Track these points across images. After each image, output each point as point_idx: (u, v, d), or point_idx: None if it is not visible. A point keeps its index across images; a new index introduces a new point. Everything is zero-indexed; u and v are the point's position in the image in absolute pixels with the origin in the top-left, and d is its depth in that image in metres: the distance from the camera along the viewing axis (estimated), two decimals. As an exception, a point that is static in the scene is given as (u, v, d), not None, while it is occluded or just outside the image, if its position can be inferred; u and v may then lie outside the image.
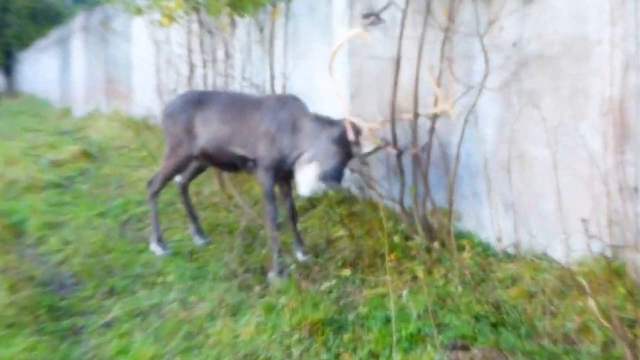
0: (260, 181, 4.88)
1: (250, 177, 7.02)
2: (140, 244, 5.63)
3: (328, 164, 4.53)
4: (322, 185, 4.60)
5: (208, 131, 5.10)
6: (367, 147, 4.50)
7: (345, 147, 4.53)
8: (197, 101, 5.26)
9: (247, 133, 4.92)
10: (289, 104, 4.92)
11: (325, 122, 4.69)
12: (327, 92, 6.15)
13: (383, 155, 5.10)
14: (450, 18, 4.49)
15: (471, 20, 4.49)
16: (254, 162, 4.90)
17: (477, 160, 4.66)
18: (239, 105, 5.07)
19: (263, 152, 4.81)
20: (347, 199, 5.86)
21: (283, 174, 4.87)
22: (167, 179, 5.43)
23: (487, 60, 4.29)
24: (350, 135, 4.50)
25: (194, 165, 5.64)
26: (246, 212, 5.96)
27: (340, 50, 6.03)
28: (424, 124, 4.69)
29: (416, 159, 4.70)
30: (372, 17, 4.70)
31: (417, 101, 4.59)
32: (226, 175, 6.65)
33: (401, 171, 4.80)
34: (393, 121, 4.64)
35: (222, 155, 5.08)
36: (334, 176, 4.51)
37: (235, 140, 4.97)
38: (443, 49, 4.51)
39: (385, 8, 4.77)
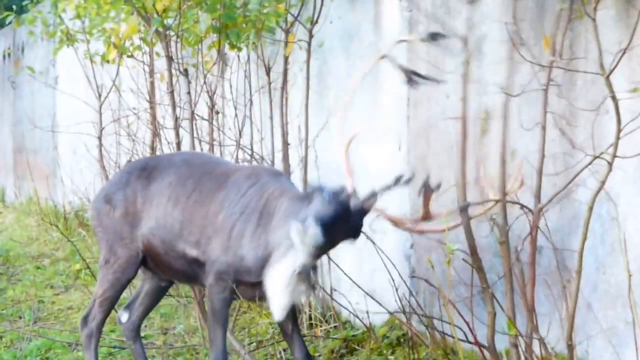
0: (208, 290, 5.06)
1: (250, 303, 7.23)
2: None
3: (317, 214, 4.52)
4: (301, 290, 4.72)
5: (155, 216, 5.30)
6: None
7: (344, 212, 4.59)
8: (142, 168, 5.49)
9: (202, 222, 5.11)
10: (265, 179, 5.10)
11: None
12: (377, 168, 6.43)
13: (463, 268, 5.30)
14: (555, 48, 4.70)
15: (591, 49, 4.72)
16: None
17: (614, 274, 4.81)
18: (199, 179, 5.27)
19: (216, 251, 5.00)
20: (405, 339, 6.04)
21: (248, 290, 5.04)
22: (110, 303, 5.59)
23: (618, 114, 4.43)
24: (349, 188, 4.63)
25: (145, 290, 5.81)
26: (243, 361, 6.15)
27: (398, 98, 6.35)
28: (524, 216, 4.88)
29: (510, 276, 4.84)
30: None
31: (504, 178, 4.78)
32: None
33: (490, 295, 4.97)
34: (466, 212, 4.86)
35: (170, 257, 5.27)
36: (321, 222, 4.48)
37: (186, 234, 5.16)
38: (546, 97, 4.72)
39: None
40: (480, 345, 4.91)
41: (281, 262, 4.72)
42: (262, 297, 4.93)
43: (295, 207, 4.76)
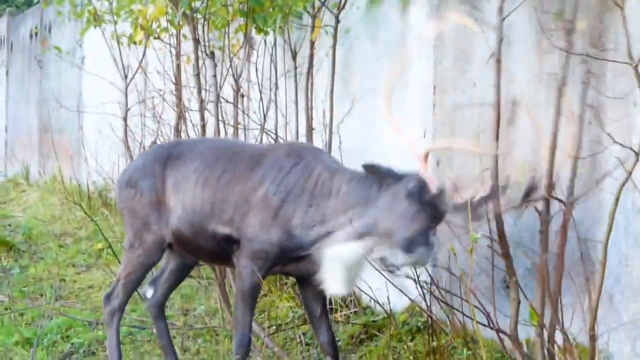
0: (241, 271, 5.06)
1: (271, 287, 7.23)
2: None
3: (405, 229, 4.57)
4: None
5: (182, 202, 5.30)
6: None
7: (429, 206, 4.59)
8: (167, 156, 5.49)
9: (237, 199, 5.10)
10: (308, 158, 5.08)
11: (379, 181, 4.75)
12: (400, 154, 6.41)
13: (484, 256, 5.28)
14: (595, 38, 4.68)
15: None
16: (238, 243, 5.08)
17: (637, 267, 4.80)
18: (229, 160, 5.27)
19: (255, 229, 4.99)
20: (425, 327, 6.02)
21: (284, 266, 5.08)
22: (133, 284, 5.63)
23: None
24: (434, 188, 4.58)
25: (170, 267, 5.83)
26: (263, 344, 6.14)
27: (424, 86, 6.33)
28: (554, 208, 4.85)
29: (541, 264, 4.82)
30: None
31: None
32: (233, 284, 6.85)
33: (515, 283, 4.96)
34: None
35: (200, 238, 5.26)
36: (416, 245, 4.57)
37: (218, 213, 5.15)
38: (585, 88, 4.70)
39: None
40: (503, 333, 4.89)
41: (348, 245, 4.75)
42: (310, 272, 4.97)
43: (360, 192, 4.78)
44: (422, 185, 4.61)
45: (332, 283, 4.85)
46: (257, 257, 4.99)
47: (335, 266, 4.81)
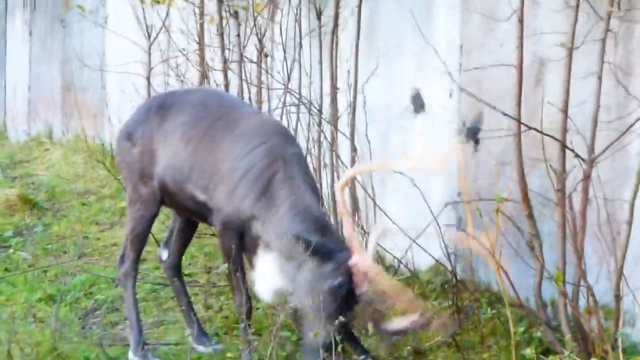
0: (218, 241, 5.19)
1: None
2: (114, 348, 5.82)
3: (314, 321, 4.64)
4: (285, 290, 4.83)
5: (167, 154, 5.31)
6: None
7: (346, 300, 4.64)
8: (160, 105, 5.48)
9: (211, 168, 5.12)
10: (273, 142, 5.07)
11: (313, 224, 4.82)
12: (427, 115, 6.38)
13: (510, 213, 5.25)
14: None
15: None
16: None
17: None
18: (212, 123, 5.24)
19: (221, 200, 5.02)
20: (449, 284, 6.02)
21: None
22: (139, 239, 5.62)
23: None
24: (361, 285, 4.60)
25: (177, 226, 5.81)
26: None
27: (451, 45, 6.28)
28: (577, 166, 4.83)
29: (563, 225, 4.82)
30: None
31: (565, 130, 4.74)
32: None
33: (538, 244, 4.95)
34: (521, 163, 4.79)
35: (181, 196, 5.29)
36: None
37: (195, 178, 5.18)
38: (603, 47, 4.67)
39: None
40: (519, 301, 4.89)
41: (273, 265, 4.82)
42: None
43: (284, 224, 4.80)
44: (345, 284, 4.59)
45: (261, 287, 4.94)
46: (225, 227, 5.02)
47: (266, 277, 4.88)
